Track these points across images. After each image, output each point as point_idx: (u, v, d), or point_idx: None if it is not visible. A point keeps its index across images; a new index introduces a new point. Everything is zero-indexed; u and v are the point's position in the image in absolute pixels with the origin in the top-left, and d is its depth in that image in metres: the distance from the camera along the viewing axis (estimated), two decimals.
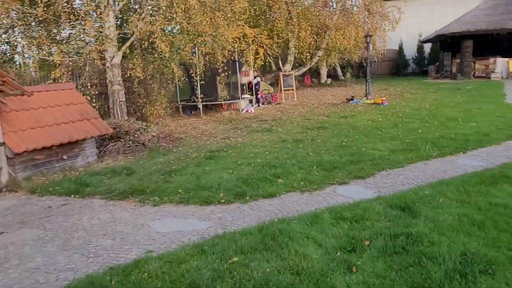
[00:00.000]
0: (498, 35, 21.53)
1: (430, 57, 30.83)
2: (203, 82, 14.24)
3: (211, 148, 8.99)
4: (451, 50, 25.53)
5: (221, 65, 11.93)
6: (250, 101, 16.61)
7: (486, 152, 7.29)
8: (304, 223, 4.46)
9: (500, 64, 22.09)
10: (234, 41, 15.45)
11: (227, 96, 13.99)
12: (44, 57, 11.68)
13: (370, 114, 12.58)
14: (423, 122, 10.40)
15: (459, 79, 21.27)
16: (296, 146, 8.66)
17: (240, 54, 16.02)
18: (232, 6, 12.16)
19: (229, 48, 13.68)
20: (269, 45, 16.56)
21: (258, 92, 17.77)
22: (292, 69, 20.60)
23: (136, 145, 9.24)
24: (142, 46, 10.60)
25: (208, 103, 15.00)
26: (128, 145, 9.17)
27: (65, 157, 7.76)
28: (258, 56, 16.14)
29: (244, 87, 17.48)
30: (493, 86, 18.48)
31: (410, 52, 31.45)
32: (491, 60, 23.15)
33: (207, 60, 13.21)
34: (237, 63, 15.30)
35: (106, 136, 9.29)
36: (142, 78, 11.01)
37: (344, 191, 5.69)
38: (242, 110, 15.70)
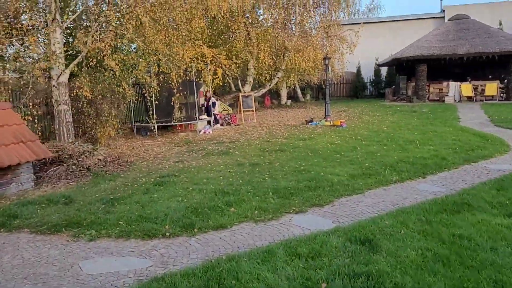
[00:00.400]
0: (450, 59, 22.28)
1: (387, 80, 31.62)
2: (157, 102, 13.67)
3: (162, 173, 8.41)
4: (406, 73, 26.24)
5: (176, 85, 11.44)
6: (209, 122, 16.15)
7: (445, 177, 7.14)
8: (255, 261, 4.00)
9: (453, 87, 22.81)
10: (192, 61, 15.04)
11: (182, 117, 13.42)
12: None
13: (329, 136, 12.40)
14: (382, 145, 10.28)
15: (415, 102, 21.75)
16: (252, 170, 8.24)
17: (198, 74, 15.60)
18: (187, 25, 11.76)
19: (184, 67, 13.25)
20: (227, 66, 16.26)
21: (215, 113, 17.37)
22: (251, 90, 20.38)
23: (80, 170, 8.52)
24: (90, 64, 9.94)
25: (162, 124, 14.38)
26: (71, 170, 8.44)
27: None
28: (217, 76, 15.79)
29: (202, 108, 17.03)
30: (447, 109, 18.94)
31: (367, 74, 32.16)
32: (445, 84, 23.89)
33: (162, 79, 12.69)
34: (194, 83, 14.86)
35: (47, 160, 8.54)
36: (90, 97, 10.33)
37: (300, 221, 5.29)
38: (199, 132, 15.19)
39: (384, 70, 31.89)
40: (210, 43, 17.60)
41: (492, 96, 22.31)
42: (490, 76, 24.59)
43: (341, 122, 14.73)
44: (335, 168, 7.96)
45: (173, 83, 11.40)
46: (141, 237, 4.96)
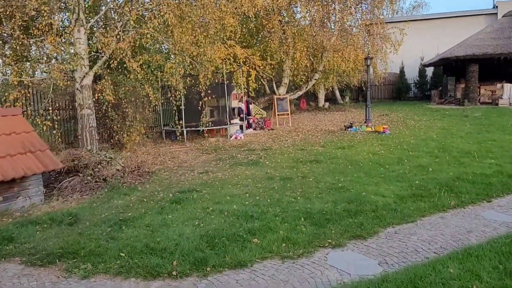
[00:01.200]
0: (505, 59, 20.38)
1: (433, 81, 29.72)
2: (182, 107, 12.94)
3: (183, 187, 7.58)
4: (454, 74, 24.41)
5: (204, 87, 10.63)
6: (242, 127, 15.28)
7: None
8: None
9: (508, 89, 20.88)
10: (223, 62, 14.23)
11: (209, 122, 12.59)
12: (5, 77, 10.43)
13: (371, 144, 11.22)
14: (433, 157, 9.03)
15: (466, 105, 19.99)
16: (283, 186, 7.26)
17: (230, 76, 14.77)
18: (217, 24, 10.94)
19: (212, 69, 12.44)
20: (261, 67, 15.35)
21: (249, 117, 16.52)
22: (287, 92, 19.37)
23: (96, 182, 7.83)
24: (111, 66, 9.28)
25: (189, 129, 13.64)
26: (86, 182, 7.76)
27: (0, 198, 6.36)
28: (250, 78, 14.92)
29: (235, 111, 16.20)
30: (502, 113, 17.20)
31: (411, 75, 30.36)
32: (498, 85, 21.96)
33: (191, 82, 11.93)
34: (225, 86, 14.03)
35: (62, 170, 7.91)
36: (113, 101, 9.68)
37: (338, 260, 4.28)
38: (230, 137, 14.35)
39: (429, 71, 30.00)
40: (244, 43, 16.75)
41: None
42: None
43: (383, 128, 13.47)
44: (379, 186, 6.85)
45: (201, 86, 10.59)
46: (142, 276, 4.10)
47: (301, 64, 16.12)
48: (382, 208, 5.70)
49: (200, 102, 10.95)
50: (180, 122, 12.12)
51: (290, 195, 6.63)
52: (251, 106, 16.60)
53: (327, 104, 26.55)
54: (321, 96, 26.52)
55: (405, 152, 9.72)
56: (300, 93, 19.23)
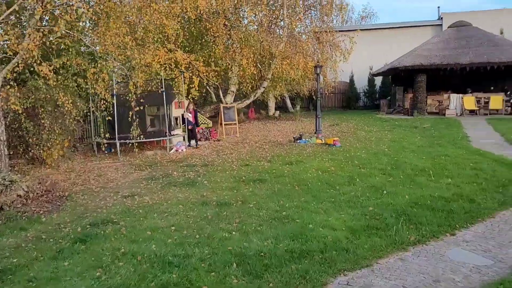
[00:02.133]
0: (451, 70, 20.47)
1: (381, 90, 29.80)
2: (110, 117, 11.62)
3: (98, 217, 6.29)
4: (403, 84, 24.43)
5: (134, 96, 9.35)
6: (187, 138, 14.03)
7: (482, 234, 5.12)
8: None
9: (454, 100, 20.99)
10: (162, 68, 12.97)
11: (141, 136, 11.26)
12: None
13: (321, 159, 10.37)
14: (386, 175, 8.26)
15: (415, 115, 19.81)
16: (218, 214, 6.16)
17: (170, 83, 13.53)
18: (150, 25, 9.73)
19: (147, 76, 11.22)
20: (205, 73, 14.21)
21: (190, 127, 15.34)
22: (235, 101, 18.33)
23: None
24: (15, 71, 7.78)
25: (123, 141, 12.29)
26: None
27: None
28: (193, 86, 13.73)
29: (178, 121, 14.95)
30: (451, 124, 17.05)
31: (361, 84, 30.32)
32: (445, 95, 22.08)
33: (122, 89, 10.60)
34: (164, 94, 12.77)
35: None
36: (21, 111, 8.19)
37: None
38: (170, 150, 13.08)
39: (378, 80, 30.08)
40: (187, 48, 15.55)
41: (497, 110, 20.51)
42: (492, 88, 22.88)
43: (334, 140, 12.71)
44: (329, 215, 5.90)
45: (130, 94, 9.30)
46: None
47: (248, 71, 15.14)
48: (332, 246, 4.73)
49: (131, 113, 9.62)
50: (107, 133, 10.70)
51: (225, 228, 5.53)
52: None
53: (277, 113, 25.80)
54: (271, 104, 25.75)
55: (357, 169, 8.90)
56: (248, 101, 18.24)
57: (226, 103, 17.53)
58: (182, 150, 13.23)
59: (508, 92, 21.47)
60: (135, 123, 9.53)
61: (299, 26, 18.07)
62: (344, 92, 30.66)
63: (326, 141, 13.06)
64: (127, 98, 10.14)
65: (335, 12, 19.74)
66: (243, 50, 14.75)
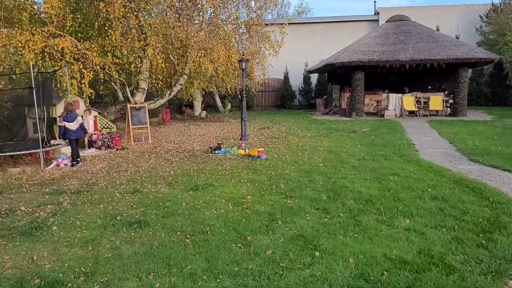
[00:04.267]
0: (389, 67, 18.88)
1: (317, 88, 28.05)
2: None
3: None
4: (340, 82, 22.70)
5: None
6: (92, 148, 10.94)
7: None
8: None
9: (393, 100, 19.44)
10: (40, 56, 9.87)
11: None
12: None
13: (238, 180, 7.87)
14: (320, 211, 5.89)
15: (353, 116, 17.96)
16: None
17: (52, 76, 10.42)
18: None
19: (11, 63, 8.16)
20: (98, 65, 11.21)
21: (87, 134, 12.26)
22: (147, 100, 15.37)
23: None
24: None
25: None
26: None
27: None
28: (83, 81, 10.72)
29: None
30: (392, 127, 15.30)
31: (296, 82, 28.41)
32: (383, 95, 20.57)
33: None
34: (33, 90, 9.64)
35: None
36: None
37: None
38: (48, 165, 9.99)
39: (314, 78, 28.31)
40: (80, 34, 12.38)
41: (437, 111, 19.25)
42: (430, 87, 21.76)
43: (259, 152, 10.27)
44: None
45: None
46: None
47: (156, 64, 12.27)
48: None
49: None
50: None
51: None
52: (88, 118, 12.30)
53: (204, 113, 23.08)
54: (197, 104, 22.97)
55: (281, 200, 6.47)
56: (162, 101, 15.32)
57: (136, 103, 14.55)
58: (65, 164, 10.18)
59: (446, 92, 20.34)
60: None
61: (222, 13, 15.44)
62: (278, 90, 28.57)
63: (249, 152, 10.59)
64: None
65: (270, 6, 17.39)
66: (150, 38, 11.85)
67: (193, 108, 22.87)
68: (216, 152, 10.97)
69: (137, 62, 11.85)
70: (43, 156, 9.95)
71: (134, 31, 11.18)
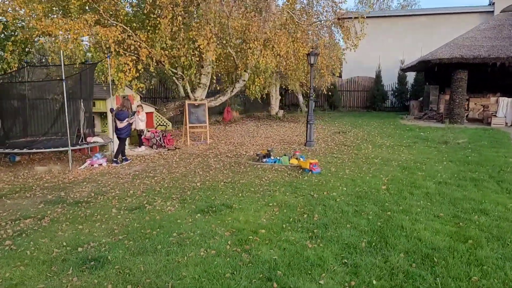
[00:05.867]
0: (502, 65, 15.49)
1: (413, 89, 24.85)
2: None
3: None
4: (438, 82, 19.54)
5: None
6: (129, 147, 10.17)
7: None
8: None
9: (504, 105, 16.01)
10: (80, 47, 9.21)
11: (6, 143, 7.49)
12: None
13: (264, 203, 6.19)
14: (346, 268, 4.00)
15: (446, 124, 15.04)
16: None
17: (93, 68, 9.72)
18: None
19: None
20: (149, 57, 10.27)
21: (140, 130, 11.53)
22: (209, 96, 14.27)
23: None
24: None
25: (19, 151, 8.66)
26: None
27: None
28: (128, 75, 9.84)
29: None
30: (497, 140, 12.30)
31: (389, 81, 25.50)
32: (492, 99, 17.14)
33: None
34: (63, 83, 8.90)
35: None
36: None
37: None
38: (82, 165, 9.26)
39: (410, 77, 25.13)
40: (134, 24, 11.56)
41: None
42: None
43: (311, 164, 8.42)
44: None
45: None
46: None
47: (208, 55, 10.88)
48: None
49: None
50: None
51: None
52: (138, 115, 11.48)
53: (281, 112, 21.55)
54: (274, 102, 21.47)
55: (302, 241, 4.66)
56: (223, 98, 14.06)
57: (196, 99, 13.51)
58: (100, 164, 9.37)
59: None
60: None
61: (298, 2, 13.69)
62: (369, 89, 25.92)
63: (300, 164, 8.79)
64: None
65: None
66: (204, 27, 10.58)
67: (269, 107, 21.43)
68: (264, 160, 9.35)
69: (188, 55, 10.68)
70: (72, 155, 9.17)
71: (180, 19, 9.96)
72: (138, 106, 11.69)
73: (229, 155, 10.64)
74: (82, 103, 9.37)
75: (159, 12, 10.21)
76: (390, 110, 25.38)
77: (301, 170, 8.56)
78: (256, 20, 11.41)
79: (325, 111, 24.80)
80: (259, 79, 12.21)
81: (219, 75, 14.27)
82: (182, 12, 10.15)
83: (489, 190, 6.75)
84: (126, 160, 9.83)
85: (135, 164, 9.70)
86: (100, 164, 9.40)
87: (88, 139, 9.66)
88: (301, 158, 9.21)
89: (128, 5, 10.88)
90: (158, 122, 12.98)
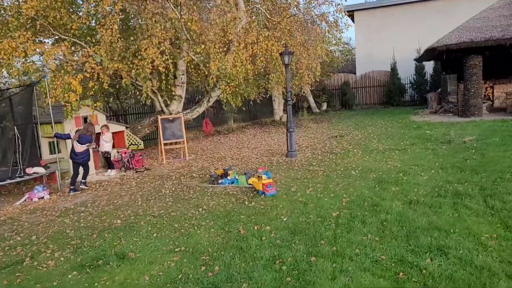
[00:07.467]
0: None
1: (432, 80, 22.73)
2: None
3: None
4: (457, 70, 17.48)
5: None
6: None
7: None
8: None
9: None
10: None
11: None
12: None
13: (171, 249, 4.95)
14: None
15: (465, 116, 13.12)
16: None
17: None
18: None
19: None
20: (102, 72, 9.27)
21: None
22: (185, 109, 13.13)
23: None
24: None
25: None
26: None
27: None
28: (76, 93, 8.84)
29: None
30: None
31: (407, 73, 23.47)
32: None
33: None
34: (10, 100, 8.06)
35: None
36: None
37: None
38: (18, 201, 8.34)
39: (429, 67, 23.02)
40: (89, 38, 10.57)
41: None
42: None
43: (264, 185, 7.05)
44: None
45: None
46: None
47: (158, 64, 9.67)
48: None
49: None
50: None
51: None
52: (105, 136, 10.54)
53: (285, 116, 20.11)
54: (278, 106, 20.11)
55: None
56: (200, 109, 12.83)
57: (170, 113, 12.43)
58: (41, 198, 8.41)
59: None
60: None
61: None
62: (385, 84, 24.02)
63: (254, 185, 7.45)
64: None
65: None
66: (152, 30, 9.38)
67: (273, 112, 20.10)
68: (220, 181, 8.08)
69: (144, 66, 9.53)
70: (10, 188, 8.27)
71: (116, 27, 8.85)
72: (102, 126, 10.74)
73: (195, 175, 9.45)
74: (16, 130, 8.46)
75: (102, 22, 9.18)
76: (409, 104, 23.36)
77: (255, 191, 7.24)
78: (216, 22, 10.12)
79: (337, 111, 23.14)
80: (229, 86, 10.92)
81: (196, 85, 13.11)
82: (118, 20, 9.06)
83: (469, 212, 5.17)
84: (75, 190, 8.83)
85: (86, 193, 8.69)
86: (42, 198, 8.45)
87: (27, 170, 8.73)
88: (264, 176, 7.86)
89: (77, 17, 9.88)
90: (129, 141, 11.99)
